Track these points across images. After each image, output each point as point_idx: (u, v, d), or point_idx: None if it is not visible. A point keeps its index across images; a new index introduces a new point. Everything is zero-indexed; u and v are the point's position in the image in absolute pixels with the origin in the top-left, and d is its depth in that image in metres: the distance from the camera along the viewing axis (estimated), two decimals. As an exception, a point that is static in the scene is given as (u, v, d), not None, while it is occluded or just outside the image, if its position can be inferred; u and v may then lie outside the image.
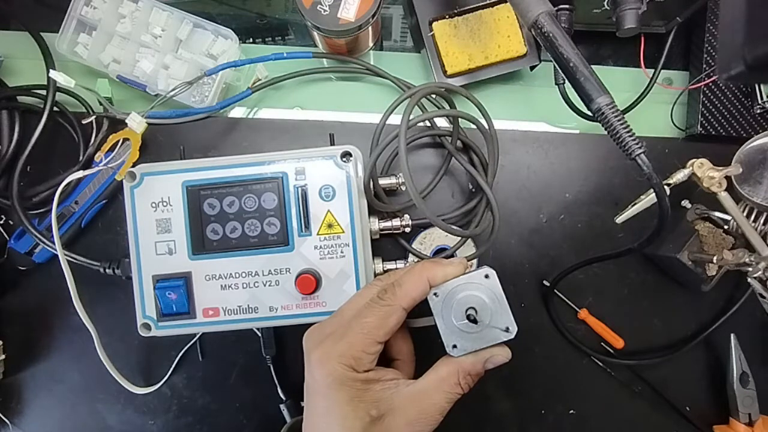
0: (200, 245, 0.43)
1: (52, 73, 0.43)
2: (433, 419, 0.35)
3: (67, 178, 0.42)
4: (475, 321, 0.35)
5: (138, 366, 0.50)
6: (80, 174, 0.42)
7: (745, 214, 0.46)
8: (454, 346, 0.35)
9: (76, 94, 0.49)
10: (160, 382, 0.50)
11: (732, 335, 0.50)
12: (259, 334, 0.49)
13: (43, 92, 0.48)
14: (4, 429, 0.50)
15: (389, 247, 0.51)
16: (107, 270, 0.46)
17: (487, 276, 0.36)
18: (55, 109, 0.48)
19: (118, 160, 0.45)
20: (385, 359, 0.39)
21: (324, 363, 0.34)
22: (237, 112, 0.52)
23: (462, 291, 0.36)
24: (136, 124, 0.42)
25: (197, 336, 0.50)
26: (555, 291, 0.52)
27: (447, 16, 0.49)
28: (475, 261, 0.49)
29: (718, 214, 0.48)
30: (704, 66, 0.51)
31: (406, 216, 0.47)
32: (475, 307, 0.35)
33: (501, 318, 0.35)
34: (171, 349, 0.50)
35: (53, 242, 0.46)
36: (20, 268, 0.49)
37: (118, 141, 0.43)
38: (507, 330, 0.35)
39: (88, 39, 0.48)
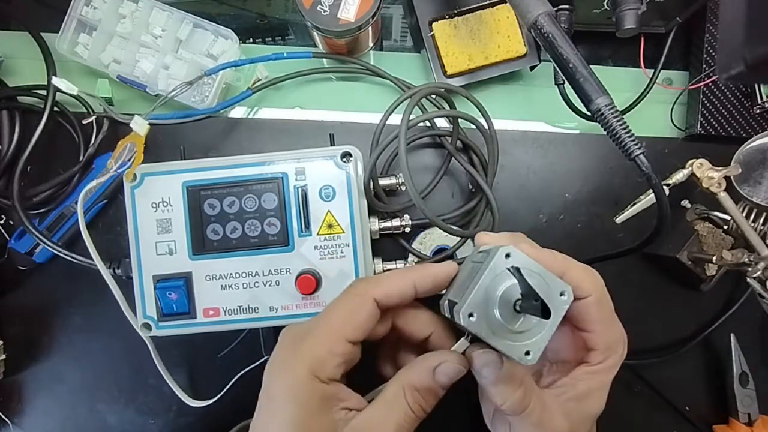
0: (200, 245, 0.43)
1: (55, 80, 0.43)
2: None
3: (85, 187, 0.42)
4: (530, 302, 0.27)
5: (141, 366, 0.50)
6: (94, 183, 0.42)
7: (744, 214, 0.47)
8: (527, 352, 0.28)
9: (77, 95, 0.49)
10: (217, 396, 0.48)
11: (732, 335, 0.50)
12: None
13: (44, 92, 0.47)
14: (4, 428, 0.50)
15: (389, 247, 0.51)
16: (108, 270, 0.46)
17: (508, 255, 0.29)
18: (56, 109, 0.48)
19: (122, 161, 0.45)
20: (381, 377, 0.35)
21: (285, 366, 0.30)
22: (237, 112, 0.52)
23: (495, 289, 0.28)
24: (139, 126, 0.42)
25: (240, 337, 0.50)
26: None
27: (447, 16, 0.49)
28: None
29: (717, 214, 0.48)
30: (704, 66, 0.51)
31: (406, 216, 0.47)
32: (521, 293, 0.27)
33: (551, 286, 0.29)
34: (173, 348, 0.50)
35: (53, 242, 0.47)
36: (20, 268, 0.49)
37: (126, 145, 0.43)
38: (562, 294, 0.28)
39: (88, 39, 0.48)
